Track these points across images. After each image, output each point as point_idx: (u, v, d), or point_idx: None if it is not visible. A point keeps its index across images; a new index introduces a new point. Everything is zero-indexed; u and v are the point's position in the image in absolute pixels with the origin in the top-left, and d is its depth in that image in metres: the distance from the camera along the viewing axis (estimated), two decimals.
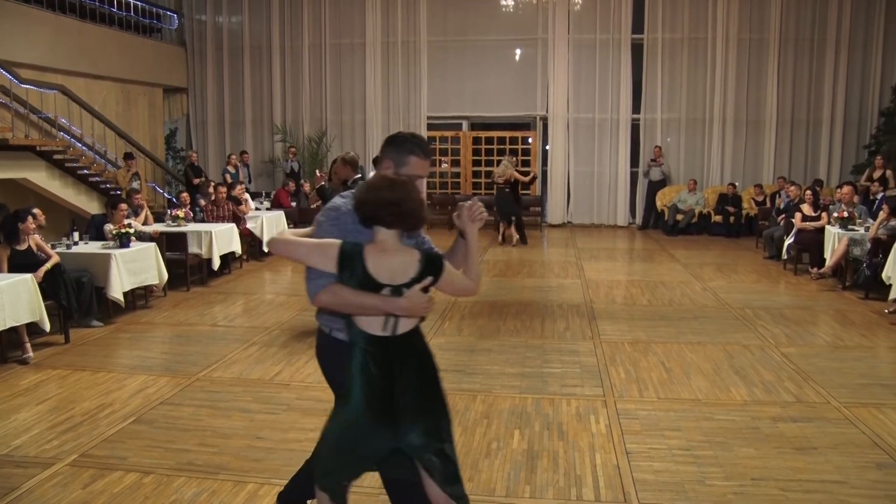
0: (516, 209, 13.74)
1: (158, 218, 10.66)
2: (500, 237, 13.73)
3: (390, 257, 2.73)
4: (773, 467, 4.33)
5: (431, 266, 2.77)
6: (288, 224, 12.38)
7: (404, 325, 2.78)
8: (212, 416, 5.14)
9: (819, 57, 15.71)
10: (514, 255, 12.49)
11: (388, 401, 2.75)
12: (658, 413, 5.22)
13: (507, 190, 13.46)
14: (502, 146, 16.81)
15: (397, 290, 2.72)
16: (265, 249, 11.43)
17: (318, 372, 5.99)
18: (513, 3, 15.47)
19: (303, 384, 5.83)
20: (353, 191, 2.93)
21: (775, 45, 15.70)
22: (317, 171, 10.81)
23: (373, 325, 2.75)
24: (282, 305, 8.69)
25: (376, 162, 3.22)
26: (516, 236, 13.60)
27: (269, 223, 11.83)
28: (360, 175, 7.42)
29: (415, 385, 2.79)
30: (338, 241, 2.73)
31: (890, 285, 8.13)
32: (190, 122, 17.65)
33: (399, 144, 2.96)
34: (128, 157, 12.89)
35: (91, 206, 12.43)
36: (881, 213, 9.33)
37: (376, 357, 2.75)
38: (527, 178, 14.21)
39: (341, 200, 2.94)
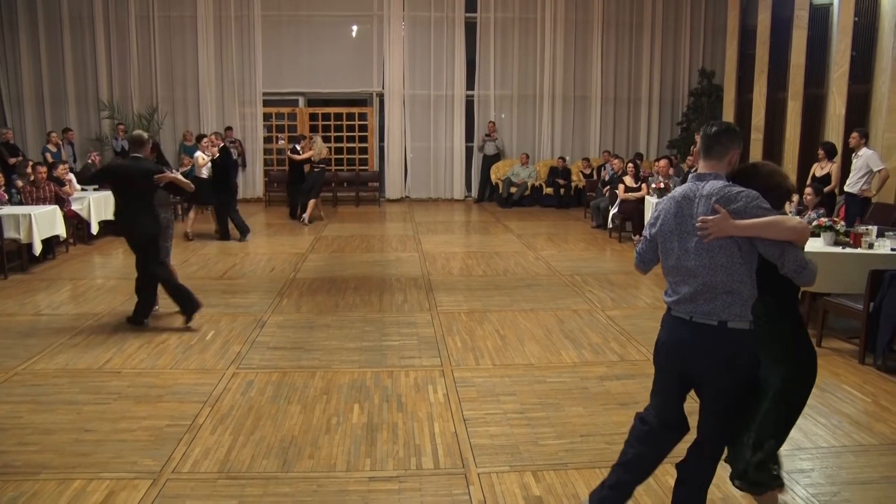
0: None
1: None
2: (305, 217, 13.22)
3: None
4: (600, 423, 4.65)
5: None
6: None
7: None
8: (33, 412, 4.81)
9: (637, 40, 16.85)
10: (352, 231, 12.51)
11: None
12: (493, 379, 5.44)
13: (317, 170, 13.38)
14: (339, 122, 16.76)
15: None
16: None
17: (152, 356, 5.87)
18: None
19: (135, 371, 5.60)
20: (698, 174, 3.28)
21: (599, 27, 16.62)
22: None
23: None
24: (112, 290, 8.26)
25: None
26: (316, 213, 13.55)
27: (97, 204, 11.17)
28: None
29: None
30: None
31: None
32: (2, 97, 16.19)
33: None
34: None
35: None
36: None
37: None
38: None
39: (737, 188, 3.04)
